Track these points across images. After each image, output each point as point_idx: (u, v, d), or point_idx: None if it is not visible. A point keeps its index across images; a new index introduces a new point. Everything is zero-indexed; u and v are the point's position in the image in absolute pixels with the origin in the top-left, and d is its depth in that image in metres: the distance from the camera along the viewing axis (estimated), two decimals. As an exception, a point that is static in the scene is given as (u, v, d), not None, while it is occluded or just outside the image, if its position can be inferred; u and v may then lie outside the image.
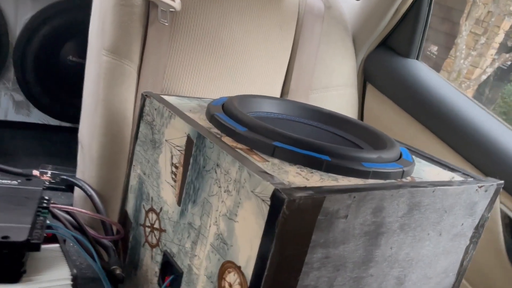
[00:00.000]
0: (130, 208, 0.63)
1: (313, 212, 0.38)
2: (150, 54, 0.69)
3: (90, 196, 0.66)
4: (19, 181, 0.52)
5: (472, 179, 0.56)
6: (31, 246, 0.41)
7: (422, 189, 0.47)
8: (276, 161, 0.44)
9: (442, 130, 0.81)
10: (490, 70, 3.50)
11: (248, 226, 0.40)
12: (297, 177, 0.41)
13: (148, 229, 0.58)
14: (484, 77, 3.49)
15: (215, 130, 0.50)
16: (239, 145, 0.46)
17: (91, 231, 0.61)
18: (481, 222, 0.59)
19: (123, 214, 0.64)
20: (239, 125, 0.49)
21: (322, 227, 0.39)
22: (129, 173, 0.63)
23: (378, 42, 0.94)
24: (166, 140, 0.54)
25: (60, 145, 1.04)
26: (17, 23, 0.96)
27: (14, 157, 0.96)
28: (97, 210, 0.65)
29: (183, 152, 0.50)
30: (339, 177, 0.44)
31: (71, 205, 0.79)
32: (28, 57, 0.98)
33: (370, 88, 0.97)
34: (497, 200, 0.70)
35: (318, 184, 0.41)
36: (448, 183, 0.51)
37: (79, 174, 0.74)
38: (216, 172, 0.44)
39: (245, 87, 0.85)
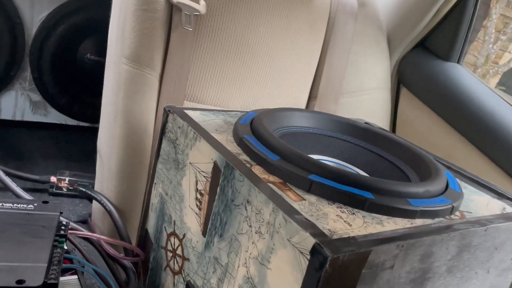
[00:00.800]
0: (151, 227, 0.60)
1: (358, 266, 0.34)
2: (173, 61, 0.65)
3: (108, 212, 0.64)
4: (35, 205, 0.49)
5: (525, 210, 0.52)
6: (48, 287, 0.38)
7: (474, 229, 0.42)
8: (313, 198, 0.40)
9: (483, 142, 0.76)
10: (520, 55, 3.35)
11: (283, 276, 0.36)
12: (338, 221, 0.37)
13: (170, 253, 0.55)
14: (514, 62, 3.34)
15: (244, 157, 0.46)
16: (271, 177, 0.43)
17: (110, 250, 0.59)
18: (531, 254, 0.54)
19: (144, 233, 0.62)
20: (271, 153, 0.45)
21: (366, 280, 0.35)
22: (150, 191, 0.60)
23: (416, 43, 0.88)
24: (190, 163, 0.51)
25: (79, 145, 1.02)
26: (33, 22, 0.92)
27: (31, 159, 0.94)
28: (115, 226, 0.63)
29: (209, 179, 0.47)
30: (384, 218, 0.40)
31: (90, 215, 0.77)
32: (44, 57, 0.95)
33: (404, 92, 0.91)
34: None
35: (362, 231, 0.37)
36: (501, 219, 0.46)
37: (97, 184, 0.72)
38: (246, 209, 0.41)
39: (271, 91, 0.80)
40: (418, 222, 0.41)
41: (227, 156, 0.45)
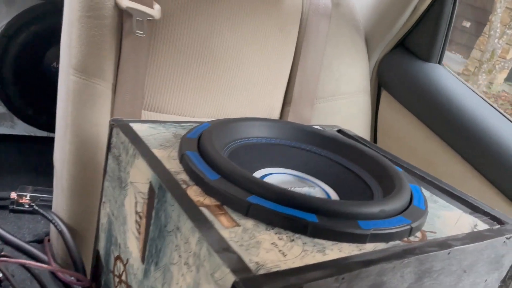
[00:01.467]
0: (101, 249, 0.57)
1: (287, 305, 0.30)
2: (126, 70, 0.61)
3: (60, 232, 0.60)
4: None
5: (498, 226, 0.47)
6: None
7: (434, 253, 0.38)
8: (250, 223, 0.36)
9: (465, 148, 0.71)
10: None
11: (209, 315, 0.32)
12: (271, 251, 0.33)
13: (116, 279, 0.52)
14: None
15: (183, 176, 0.42)
16: (208, 200, 0.39)
17: (60, 275, 0.55)
18: (509, 273, 0.50)
19: (96, 254, 0.58)
20: (211, 171, 0.41)
21: (300, 319, 0.31)
22: (100, 210, 0.56)
23: (395, 43, 0.84)
24: (131, 182, 0.47)
25: (49, 157, 0.99)
26: (-9, 31, 0.89)
27: (-4, 174, 0.91)
28: (67, 247, 0.59)
29: (146, 201, 0.43)
30: (328, 244, 0.36)
31: (49, 233, 0.74)
32: (6, 68, 0.92)
33: (384, 95, 0.87)
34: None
35: (297, 262, 0.33)
36: (468, 239, 0.42)
37: (54, 202, 0.68)
38: (176, 237, 0.37)
39: (241, 98, 0.76)
40: (369, 247, 0.37)
41: (162, 176, 0.41)
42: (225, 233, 0.34)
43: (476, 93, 0.75)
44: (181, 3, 0.65)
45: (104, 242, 0.56)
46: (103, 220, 0.56)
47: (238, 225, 0.36)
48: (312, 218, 0.37)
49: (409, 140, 0.81)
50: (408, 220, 0.41)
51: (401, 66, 0.83)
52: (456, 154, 0.73)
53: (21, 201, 0.77)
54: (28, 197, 0.78)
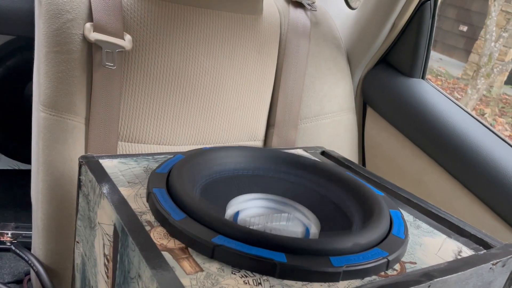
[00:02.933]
0: (77, 290, 0.55)
1: None
2: (98, 103, 0.60)
3: (36, 273, 0.58)
4: None
5: (484, 251, 0.45)
6: None
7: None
8: (214, 267, 0.35)
9: (452, 165, 0.70)
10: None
11: None
12: (234, 299, 0.32)
13: (91, 323, 0.50)
14: (520, 59, 3.29)
15: (148, 216, 0.41)
16: (172, 242, 0.37)
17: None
18: (500, 299, 0.48)
19: (73, 295, 0.56)
20: (177, 210, 0.40)
21: None
22: (74, 249, 0.55)
23: (377, 59, 0.83)
24: (99, 223, 0.46)
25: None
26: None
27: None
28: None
29: (112, 244, 0.41)
30: (298, 286, 0.34)
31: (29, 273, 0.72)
32: (-14, 104, 0.91)
33: (370, 113, 0.86)
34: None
35: (261, 310, 0.31)
36: (451, 269, 0.40)
37: (33, 240, 0.67)
38: (138, 285, 0.35)
39: (222, 124, 0.75)
40: (342, 286, 0.35)
41: (124, 218, 0.40)
42: (186, 281, 0.32)
43: (461, 107, 0.74)
44: (153, 32, 0.65)
45: (79, 283, 0.54)
46: (78, 261, 0.54)
47: (201, 270, 0.34)
48: (280, 257, 0.35)
49: (397, 159, 0.79)
50: (385, 252, 0.39)
51: (385, 82, 0.82)
52: (444, 171, 0.71)
53: (2, 239, 0.76)
54: (9, 235, 0.76)
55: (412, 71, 0.79)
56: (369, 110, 0.86)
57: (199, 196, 0.46)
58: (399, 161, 0.78)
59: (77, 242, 0.54)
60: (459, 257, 0.44)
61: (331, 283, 0.35)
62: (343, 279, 0.36)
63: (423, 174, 0.74)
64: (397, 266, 0.40)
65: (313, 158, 0.60)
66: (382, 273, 0.38)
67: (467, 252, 0.45)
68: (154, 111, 0.67)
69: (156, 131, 0.68)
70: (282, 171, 0.56)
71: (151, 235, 0.38)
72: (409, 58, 0.79)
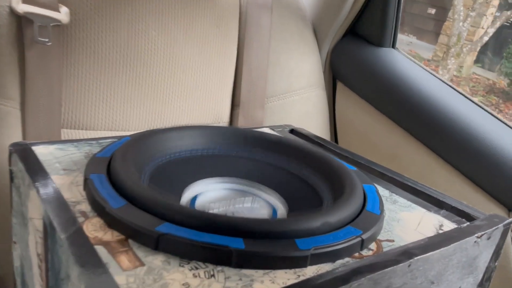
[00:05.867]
0: (19, 296, 0.49)
1: None
2: (35, 85, 0.54)
3: (-27, 281, 0.52)
4: None
5: (467, 224, 0.42)
6: None
7: (391, 268, 0.32)
8: (159, 260, 0.29)
9: (428, 137, 0.66)
10: (492, 30, 3.35)
11: None
12: (180, 296, 0.26)
13: (32, 334, 0.44)
14: (486, 38, 3.34)
15: (83, 206, 0.35)
16: (109, 235, 0.32)
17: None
18: (486, 275, 0.44)
19: (15, 303, 0.50)
20: (117, 197, 0.34)
21: None
22: (12, 250, 0.48)
23: (345, 29, 0.79)
24: (30, 218, 0.39)
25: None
26: None
27: None
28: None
29: (42, 242, 0.36)
30: (259, 275, 0.29)
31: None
32: None
33: (340, 87, 0.82)
34: (508, 238, 0.56)
35: (212, 308, 0.26)
36: (432, 245, 0.36)
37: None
38: (68, 287, 0.30)
39: (181, 105, 0.69)
40: (311, 271, 0.31)
41: (53, 209, 0.34)
42: (121, 279, 0.27)
43: (435, 75, 0.70)
44: (94, 3, 0.58)
45: (20, 287, 0.48)
46: (17, 263, 0.48)
47: (142, 264, 0.29)
48: (238, 243, 0.30)
49: (370, 134, 0.75)
50: (359, 230, 0.35)
51: (353, 53, 0.77)
52: (420, 144, 0.68)
53: None
54: None
55: (382, 40, 0.75)
56: (339, 85, 0.81)
57: (148, 182, 0.40)
58: (373, 136, 0.75)
59: (14, 242, 0.47)
60: (440, 231, 0.40)
61: (297, 269, 0.30)
62: (311, 264, 0.31)
63: (398, 148, 0.71)
64: (373, 246, 0.35)
65: (277, 134, 0.55)
66: (356, 254, 0.34)
67: (448, 225, 0.41)
68: (101, 93, 0.60)
69: (104, 116, 0.61)
70: (244, 150, 0.51)
71: (84, 227, 0.32)
72: (378, 26, 0.74)
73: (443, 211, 0.45)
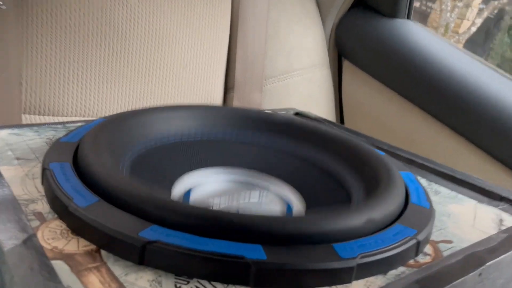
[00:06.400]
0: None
1: None
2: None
3: None
4: None
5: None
6: None
7: (461, 280, 0.24)
8: (145, 279, 0.21)
9: (453, 118, 0.59)
10: (479, 21, 3.33)
11: None
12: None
13: None
14: (473, 29, 3.33)
15: (40, 206, 0.26)
16: (72, 246, 0.23)
17: None
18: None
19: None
20: (85, 192, 0.25)
21: None
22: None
23: (352, 0, 0.71)
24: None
25: None
26: None
27: None
28: None
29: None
30: (287, 297, 0.21)
31: None
32: None
33: (347, 66, 0.74)
34: None
35: None
36: (503, 245, 0.28)
37: None
38: (13, 321, 0.21)
39: (167, 88, 0.61)
40: (356, 287, 0.22)
41: (-4, 211, 0.25)
42: (89, 311, 0.18)
43: (458, 49, 0.63)
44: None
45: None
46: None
47: (121, 286, 0.20)
48: (256, 252, 0.22)
49: (384, 117, 0.68)
50: (411, 229, 0.27)
51: (362, 28, 0.69)
52: (443, 126, 0.60)
53: None
54: None
55: (395, 10, 0.67)
56: (346, 64, 0.74)
57: (128, 174, 0.32)
58: (386, 119, 0.67)
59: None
60: (502, 227, 0.32)
61: (339, 286, 0.22)
62: (357, 278, 0.23)
63: (417, 132, 0.63)
64: (427, 249, 0.27)
65: (286, 115, 0.47)
66: (411, 262, 0.26)
67: (509, 220, 0.34)
68: (70, 72, 0.51)
69: (75, 99, 0.52)
70: (248, 134, 0.43)
71: (39, 234, 0.23)
72: (391, -6, 0.67)
73: (494, 202, 0.37)
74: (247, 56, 0.67)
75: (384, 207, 0.27)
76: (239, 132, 0.43)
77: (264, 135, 0.42)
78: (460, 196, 0.37)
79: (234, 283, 0.21)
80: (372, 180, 0.33)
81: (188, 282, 0.21)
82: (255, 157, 0.41)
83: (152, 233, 0.22)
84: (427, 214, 0.29)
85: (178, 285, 0.21)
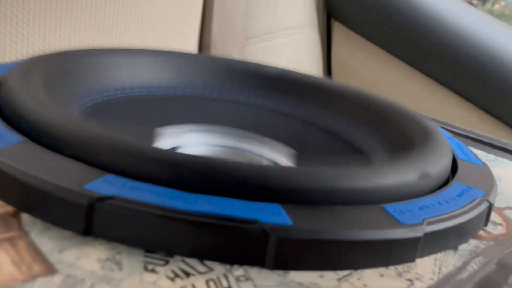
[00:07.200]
0: None
1: None
2: None
3: None
4: None
5: None
6: None
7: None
8: (93, 259, 0.13)
9: (465, 84, 0.54)
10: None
11: None
12: None
13: None
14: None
15: None
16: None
17: None
18: None
19: None
20: (5, 130, 0.17)
21: None
22: None
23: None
24: None
25: None
26: None
27: None
28: None
29: None
30: (325, 284, 0.13)
31: None
32: None
33: (338, 28, 0.68)
34: None
35: None
36: None
37: None
38: None
39: (125, 44, 0.52)
40: (425, 271, 0.15)
41: None
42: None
43: (469, 5, 0.57)
44: None
45: None
46: None
47: (51, 269, 0.12)
48: (274, 215, 0.14)
49: (382, 85, 0.62)
50: (478, 189, 0.20)
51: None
52: (450, 93, 0.55)
53: None
54: None
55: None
56: (336, 25, 0.67)
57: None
58: (383, 87, 0.61)
59: None
60: None
61: (398, 267, 0.15)
62: (421, 255, 0.15)
63: (419, 101, 0.57)
64: (494, 217, 0.20)
65: (279, 67, 0.39)
66: (481, 233, 0.19)
67: None
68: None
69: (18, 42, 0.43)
70: (234, 89, 0.35)
71: None
72: None
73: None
74: (226, 10, 0.60)
75: (437, 161, 0.20)
76: (222, 86, 0.35)
77: (255, 91, 0.35)
78: (500, 159, 0.31)
79: (241, 263, 0.13)
80: (400, 136, 0.26)
81: (167, 262, 0.13)
82: (243, 117, 0.33)
83: (105, 185, 0.14)
84: (485, 173, 0.22)
85: (149, 266, 0.13)
